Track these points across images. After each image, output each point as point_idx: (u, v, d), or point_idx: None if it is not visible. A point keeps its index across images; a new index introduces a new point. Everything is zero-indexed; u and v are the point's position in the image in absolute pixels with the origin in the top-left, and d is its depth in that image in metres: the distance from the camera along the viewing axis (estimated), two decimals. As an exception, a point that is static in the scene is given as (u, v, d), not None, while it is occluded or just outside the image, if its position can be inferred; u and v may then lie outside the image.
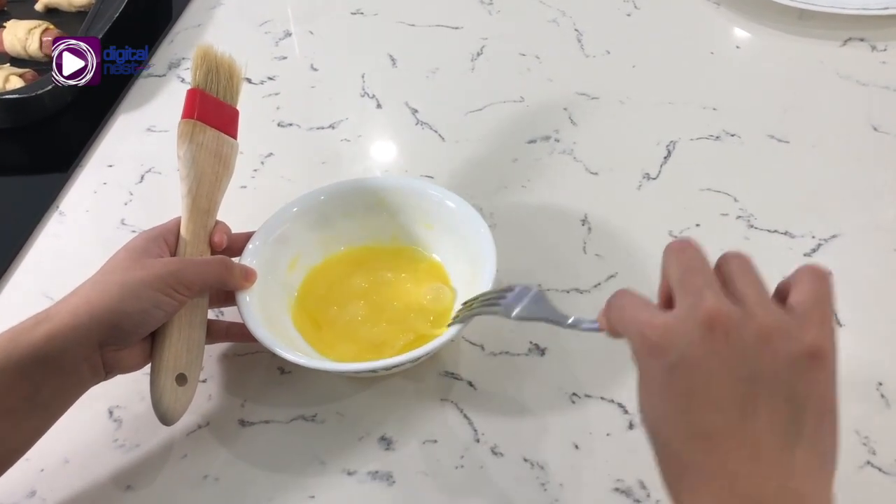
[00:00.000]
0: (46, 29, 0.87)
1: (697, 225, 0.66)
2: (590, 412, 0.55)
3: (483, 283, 0.54)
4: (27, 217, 0.73)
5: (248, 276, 0.56)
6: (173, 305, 0.52)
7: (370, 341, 0.58)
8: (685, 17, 0.90)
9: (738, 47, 0.86)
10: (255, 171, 0.75)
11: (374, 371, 0.54)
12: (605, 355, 0.58)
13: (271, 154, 0.76)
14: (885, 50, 0.82)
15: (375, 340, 0.58)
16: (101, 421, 0.57)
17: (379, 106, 0.81)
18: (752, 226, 0.66)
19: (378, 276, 0.62)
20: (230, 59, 0.60)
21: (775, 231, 0.65)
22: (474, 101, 0.80)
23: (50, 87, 0.79)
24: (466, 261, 0.59)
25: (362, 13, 0.94)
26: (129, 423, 0.57)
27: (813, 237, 0.65)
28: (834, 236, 0.65)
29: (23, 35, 0.86)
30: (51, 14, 0.93)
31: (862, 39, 0.83)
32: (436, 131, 0.78)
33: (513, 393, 0.57)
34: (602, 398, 0.56)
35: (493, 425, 0.55)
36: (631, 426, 0.54)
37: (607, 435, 0.54)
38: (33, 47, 0.85)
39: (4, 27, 0.88)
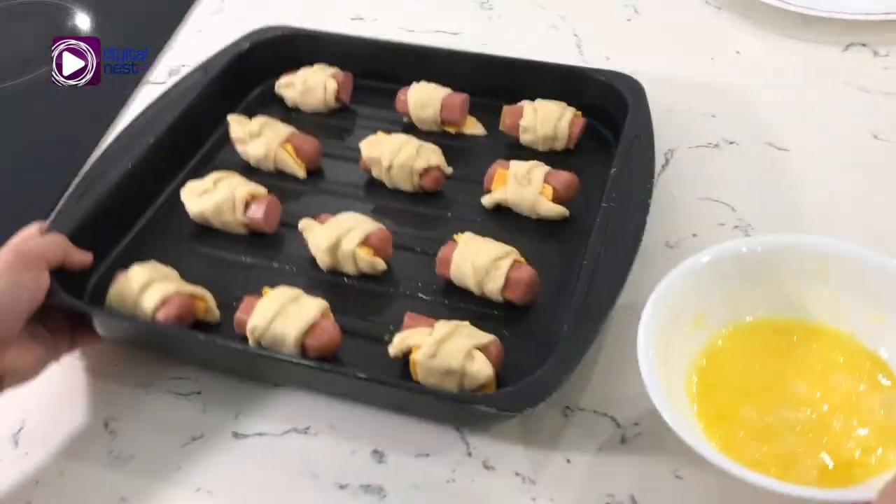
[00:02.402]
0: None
1: (694, 235, 0.66)
2: (582, 426, 0.55)
3: None
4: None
5: (86, 255, 0.62)
6: (33, 279, 0.55)
7: (782, 450, 0.47)
8: (686, 21, 0.89)
9: (738, 53, 0.85)
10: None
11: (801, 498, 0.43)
12: (598, 369, 0.58)
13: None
14: (887, 55, 0.81)
15: (787, 451, 0.47)
16: (96, 432, 0.57)
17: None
18: (749, 236, 0.65)
19: (804, 365, 0.51)
20: None
21: (772, 241, 0.65)
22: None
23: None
24: None
25: (362, 19, 0.94)
26: (124, 435, 0.57)
27: (810, 248, 0.64)
28: (832, 247, 0.64)
29: None
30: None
31: (864, 45, 0.83)
32: (434, 139, 0.77)
33: (506, 406, 0.56)
34: (595, 412, 0.55)
35: (485, 439, 0.55)
36: (623, 440, 0.54)
37: (599, 449, 0.53)
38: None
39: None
